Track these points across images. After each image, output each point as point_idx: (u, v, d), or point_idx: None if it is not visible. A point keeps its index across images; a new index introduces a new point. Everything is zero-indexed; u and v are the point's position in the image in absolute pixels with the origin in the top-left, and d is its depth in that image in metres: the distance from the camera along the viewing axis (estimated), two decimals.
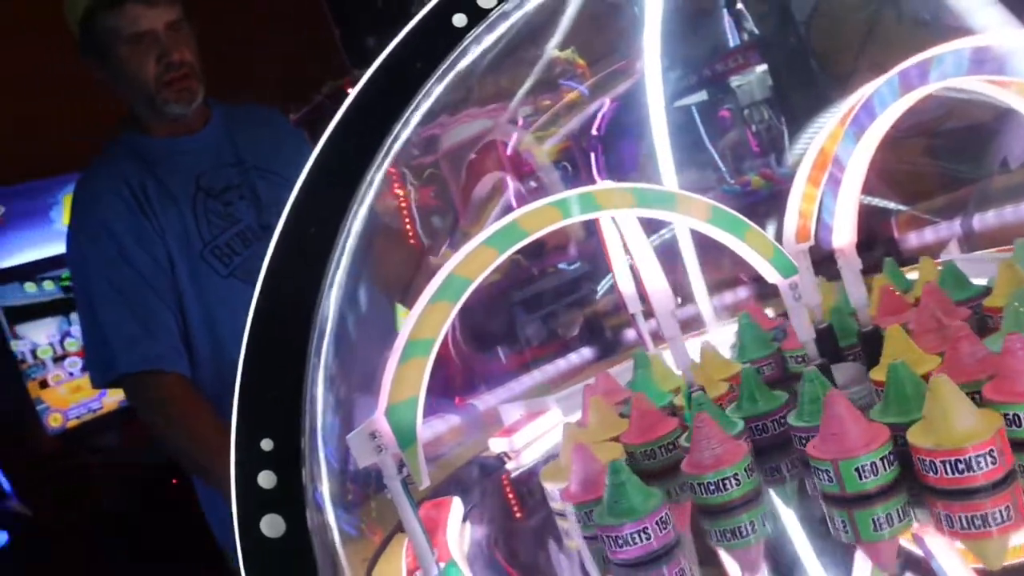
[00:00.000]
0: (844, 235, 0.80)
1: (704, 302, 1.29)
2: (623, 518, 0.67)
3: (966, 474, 0.59)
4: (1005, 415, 0.62)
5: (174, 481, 3.20)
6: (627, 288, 1.04)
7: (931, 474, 0.61)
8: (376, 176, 0.77)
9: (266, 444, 0.80)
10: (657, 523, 0.67)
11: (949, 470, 0.60)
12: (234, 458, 0.81)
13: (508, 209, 0.81)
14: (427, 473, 0.71)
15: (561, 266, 2.44)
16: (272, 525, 0.80)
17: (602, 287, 1.90)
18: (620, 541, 0.67)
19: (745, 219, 0.75)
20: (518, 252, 0.70)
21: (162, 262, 1.62)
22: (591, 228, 1.12)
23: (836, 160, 0.77)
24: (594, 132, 2.62)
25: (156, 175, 1.65)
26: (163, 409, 1.60)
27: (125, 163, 1.67)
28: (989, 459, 0.59)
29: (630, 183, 0.70)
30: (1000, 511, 0.58)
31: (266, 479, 0.80)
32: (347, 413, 0.87)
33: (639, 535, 0.67)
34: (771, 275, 0.78)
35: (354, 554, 0.87)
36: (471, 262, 0.68)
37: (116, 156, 1.69)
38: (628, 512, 0.67)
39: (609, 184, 0.73)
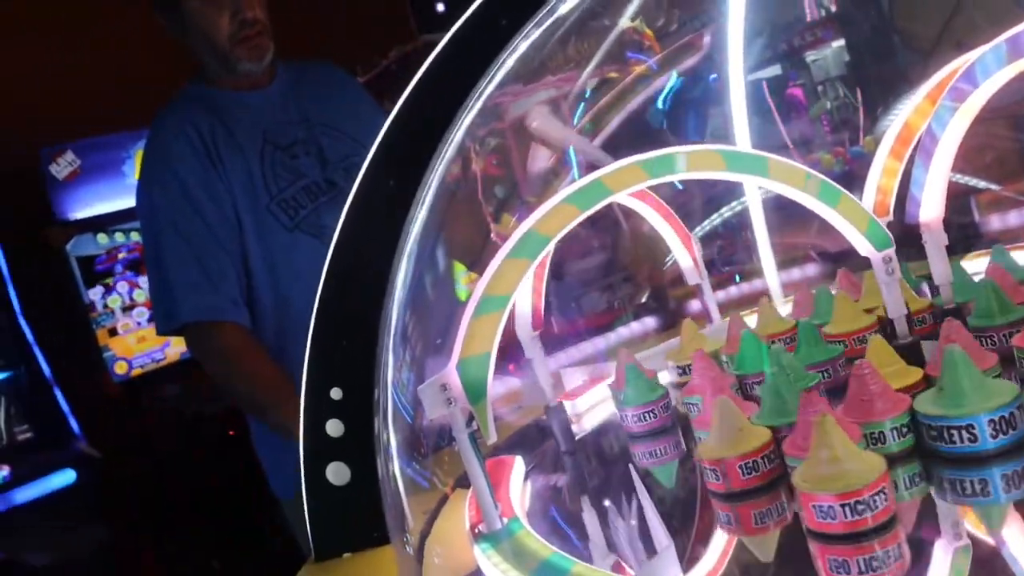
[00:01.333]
0: (932, 209, 0.78)
1: (772, 276, 1.27)
2: (634, 402, 0.91)
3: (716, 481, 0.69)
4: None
5: (231, 433, 3.30)
6: (685, 262, 1.04)
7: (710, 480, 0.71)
8: (457, 134, 0.77)
9: (335, 393, 0.81)
10: (659, 408, 0.91)
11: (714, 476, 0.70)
12: (303, 405, 0.82)
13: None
14: (495, 429, 0.72)
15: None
16: (337, 473, 0.81)
17: (668, 260, 1.88)
18: (632, 418, 0.92)
19: (839, 187, 0.72)
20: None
21: (228, 213, 1.63)
22: None
23: (929, 131, 0.74)
24: (659, 106, 2.57)
25: (224, 123, 1.66)
26: (224, 357, 1.63)
27: (192, 108, 1.67)
28: (751, 467, 0.68)
29: (719, 145, 0.68)
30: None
31: (334, 427, 0.81)
32: (419, 367, 0.88)
33: (646, 415, 0.91)
34: (863, 247, 0.75)
35: (417, 505, 0.88)
36: (551, 219, 0.67)
37: (182, 104, 1.71)
38: (636, 398, 0.91)
39: (699, 146, 0.71)
